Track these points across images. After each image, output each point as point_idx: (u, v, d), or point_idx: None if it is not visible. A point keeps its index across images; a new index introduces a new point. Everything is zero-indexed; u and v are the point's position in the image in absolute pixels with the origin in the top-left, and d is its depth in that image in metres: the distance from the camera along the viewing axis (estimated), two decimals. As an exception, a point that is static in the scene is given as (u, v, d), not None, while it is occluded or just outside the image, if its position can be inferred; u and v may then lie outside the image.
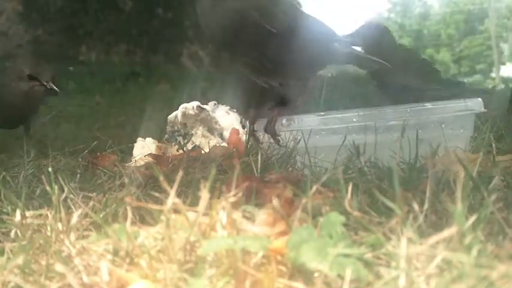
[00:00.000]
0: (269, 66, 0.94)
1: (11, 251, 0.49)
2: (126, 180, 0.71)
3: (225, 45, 0.97)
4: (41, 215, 0.53)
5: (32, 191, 0.73)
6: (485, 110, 0.94)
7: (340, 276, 0.37)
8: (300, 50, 0.94)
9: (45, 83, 1.39)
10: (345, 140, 0.84)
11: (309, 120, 0.95)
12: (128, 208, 0.49)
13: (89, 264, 0.44)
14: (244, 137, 1.17)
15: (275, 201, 0.46)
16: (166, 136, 1.33)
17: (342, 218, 0.43)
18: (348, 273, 0.37)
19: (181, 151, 1.17)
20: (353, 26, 1.62)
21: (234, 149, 0.98)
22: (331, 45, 1.04)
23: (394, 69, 1.51)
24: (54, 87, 1.41)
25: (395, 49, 1.63)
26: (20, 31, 4.69)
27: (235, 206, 0.45)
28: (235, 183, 0.47)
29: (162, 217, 0.44)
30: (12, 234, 0.51)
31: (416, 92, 1.50)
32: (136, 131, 1.35)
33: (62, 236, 0.49)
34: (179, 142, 1.28)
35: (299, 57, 0.95)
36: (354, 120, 0.93)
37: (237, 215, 0.45)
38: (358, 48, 1.35)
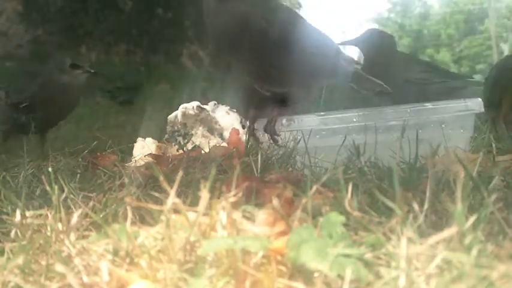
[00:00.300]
0: (273, 75, 0.94)
1: (11, 251, 0.49)
2: (126, 180, 0.71)
3: (230, 51, 0.97)
4: (41, 215, 0.53)
5: (32, 191, 0.73)
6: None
7: (340, 276, 0.37)
8: (304, 62, 0.94)
9: (88, 69, 1.38)
10: (345, 140, 0.84)
11: (309, 120, 0.95)
12: (128, 208, 0.49)
13: (89, 264, 0.44)
14: (244, 137, 1.17)
15: (275, 201, 0.46)
16: (166, 136, 1.34)
17: (342, 218, 0.43)
18: (348, 273, 0.37)
19: (181, 151, 1.17)
20: (358, 31, 1.66)
21: (234, 149, 0.98)
22: (337, 61, 1.04)
23: (395, 71, 1.52)
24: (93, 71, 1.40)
25: (395, 55, 1.65)
26: (20, 31, 4.69)
27: (235, 206, 0.45)
28: (235, 183, 0.47)
29: (162, 217, 0.44)
30: (12, 234, 0.51)
31: (419, 86, 1.51)
32: (136, 131, 1.35)
33: (62, 236, 0.49)
34: (179, 142, 1.28)
35: (303, 69, 0.95)
36: (354, 120, 0.93)
37: (237, 215, 0.45)
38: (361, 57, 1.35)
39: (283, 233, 0.44)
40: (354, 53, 1.64)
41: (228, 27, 0.91)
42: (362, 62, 1.59)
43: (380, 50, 1.57)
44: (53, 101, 1.37)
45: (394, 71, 1.53)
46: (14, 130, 1.40)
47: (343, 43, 1.62)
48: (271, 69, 0.94)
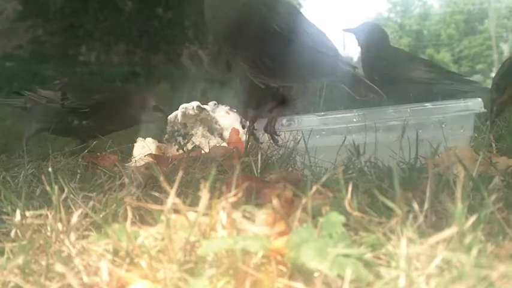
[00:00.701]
0: (269, 64, 0.94)
1: (11, 251, 0.49)
2: (126, 180, 0.71)
3: (228, 37, 0.96)
4: (41, 215, 0.53)
5: (32, 191, 0.73)
6: (485, 110, 0.94)
7: (340, 276, 0.37)
8: (300, 55, 0.94)
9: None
10: (345, 140, 0.84)
11: (309, 120, 0.95)
12: (128, 208, 0.49)
13: (89, 264, 0.44)
14: (244, 137, 1.17)
15: (275, 201, 0.46)
16: (166, 136, 1.34)
17: (342, 218, 0.43)
18: (348, 273, 0.37)
19: (181, 151, 1.17)
20: (351, 20, 1.74)
21: (234, 149, 0.98)
22: (334, 60, 1.04)
23: (391, 67, 1.54)
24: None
25: (389, 48, 1.69)
26: (20, 31, 4.69)
27: (235, 206, 0.45)
28: (235, 183, 0.47)
29: (162, 217, 0.44)
30: (12, 234, 0.51)
31: (425, 86, 1.51)
32: (136, 131, 1.35)
33: (62, 236, 0.49)
34: (179, 142, 1.28)
35: (299, 62, 0.95)
36: (354, 120, 0.93)
37: (237, 215, 0.45)
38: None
39: (283, 233, 0.44)
40: (352, 42, 1.71)
41: (229, 15, 0.91)
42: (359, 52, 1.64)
43: (372, 40, 1.62)
44: (112, 124, 1.41)
45: (396, 69, 1.54)
46: (62, 131, 1.43)
47: (346, 30, 1.69)
48: (269, 59, 0.94)
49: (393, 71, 1.54)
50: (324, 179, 0.52)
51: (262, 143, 1.00)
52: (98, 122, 1.39)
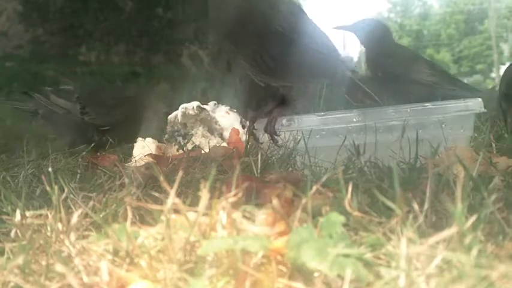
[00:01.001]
0: (270, 63, 0.94)
1: (11, 251, 0.49)
2: (126, 180, 0.71)
3: (229, 35, 0.96)
4: (41, 215, 0.53)
5: (32, 191, 0.73)
6: (485, 110, 0.94)
7: (340, 276, 0.37)
8: (301, 55, 0.94)
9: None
10: (345, 140, 0.84)
11: (309, 120, 0.95)
12: (128, 208, 0.49)
13: (89, 264, 0.44)
14: (244, 137, 1.17)
15: (275, 201, 0.46)
16: (166, 136, 1.34)
17: (342, 218, 0.43)
18: (348, 273, 0.37)
19: (181, 151, 1.17)
20: (352, 20, 1.68)
21: (234, 149, 0.98)
22: (335, 61, 1.04)
23: (396, 65, 1.53)
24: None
25: (394, 45, 1.67)
26: (20, 31, 4.69)
27: (235, 206, 0.45)
28: (235, 183, 0.47)
29: (162, 217, 0.44)
30: (12, 234, 0.51)
31: (428, 89, 1.51)
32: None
33: (62, 236, 0.49)
34: (179, 142, 1.28)
35: (300, 62, 0.95)
36: (354, 120, 0.93)
37: (237, 215, 0.45)
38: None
39: (283, 233, 0.44)
40: (353, 42, 1.68)
41: (231, 13, 0.91)
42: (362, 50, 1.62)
43: (374, 37, 1.60)
44: (123, 129, 1.37)
45: (400, 68, 1.54)
46: (81, 143, 1.32)
47: (339, 27, 1.64)
48: (270, 58, 0.94)
49: (397, 69, 1.53)
50: (324, 179, 0.52)
51: (262, 143, 1.00)
52: (117, 136, 1.34)
